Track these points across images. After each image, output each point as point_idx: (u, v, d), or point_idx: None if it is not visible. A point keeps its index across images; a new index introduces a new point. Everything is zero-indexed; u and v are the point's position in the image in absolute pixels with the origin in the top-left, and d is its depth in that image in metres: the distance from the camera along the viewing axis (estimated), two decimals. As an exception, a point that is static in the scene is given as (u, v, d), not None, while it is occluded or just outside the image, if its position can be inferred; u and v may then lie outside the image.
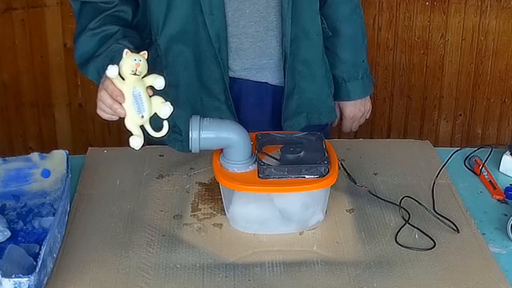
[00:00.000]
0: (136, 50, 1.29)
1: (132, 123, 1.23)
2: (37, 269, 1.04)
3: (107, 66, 1.24)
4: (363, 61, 1.71)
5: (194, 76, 1.54)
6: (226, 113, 1.55)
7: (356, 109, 1.73)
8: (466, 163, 1.51)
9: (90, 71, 1.45)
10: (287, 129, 1.58)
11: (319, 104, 1.65)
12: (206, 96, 1.55)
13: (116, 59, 1.28)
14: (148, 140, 1.29)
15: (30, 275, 1.03)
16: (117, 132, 2.71)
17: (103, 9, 1.49)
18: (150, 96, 1.25)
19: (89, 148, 1.54)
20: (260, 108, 1.60)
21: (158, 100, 1.25)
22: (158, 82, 1.24)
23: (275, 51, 1.55)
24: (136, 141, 1.23)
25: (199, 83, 1.54)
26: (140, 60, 1.21)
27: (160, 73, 1.27)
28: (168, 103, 1.25)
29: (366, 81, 1.72)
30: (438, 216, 1.28)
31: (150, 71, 1.30)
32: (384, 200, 1.35)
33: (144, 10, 1.52)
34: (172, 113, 1.24)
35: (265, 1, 1.50)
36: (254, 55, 1.54)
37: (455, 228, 1.26)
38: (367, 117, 1.79)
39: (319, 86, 1.64)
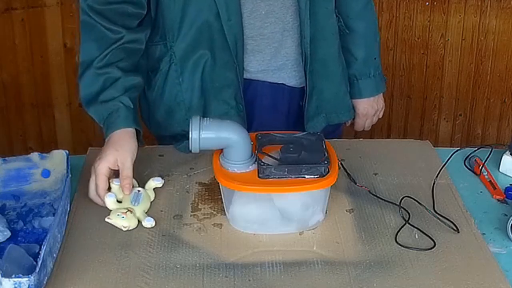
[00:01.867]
0: (136, 101, 1.43)
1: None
2: (37, 269, 1.04)
3: (104, 119, 1.39)
4: (375, 58, 1.70)
5: (208, 82, 1.53)
6: (235, 118, 1.52)
7: (368, 107, 1.72)
8: (466, 163, 1.51)
9: (91, 113, 1.43)
10: (308, 130, 1.57)
11: (337, 103, 1.65)
12: (215, 100, 1.54)
13: (112, 118, 1.38)
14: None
15: (30, 275, 1.03)
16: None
17: (110, 40, 1.41)
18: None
19: (89, 148, 1.53)
20: (276, 109, 1.60)
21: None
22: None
23: (292, 52, 1.55)
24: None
25: (211, 87, 1.53)
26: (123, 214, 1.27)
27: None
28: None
29: (378, 79, 1.71)
30: (438, 216, 1.28)
31: (163, 78, 1.50)
32: (384, 200, 1.35)
33: (157, 19, 1.51)
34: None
35: (280, 1, 1.49)
36: (270, 56, 1.53)
37: (455, 228, 1.26)
38: (380, 116, 1.78)
39: (336, 85, 1.64)
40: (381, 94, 1.75)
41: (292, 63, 1.56)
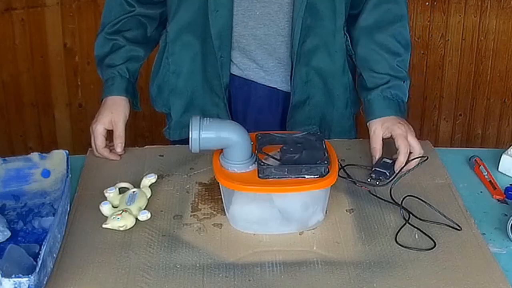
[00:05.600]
0: (134, 72, 1.57)
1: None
2: (37, 269, 1.04)
3: (104, 80, 1.56)
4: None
5: (200, 69, 1.56)
6: (223, 110, 1.57)
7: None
8: (466, 163, 1.51)
9: (98, 72, 1.60)
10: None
11: (332, 121, 1.63)
12: (208, 90, 1.58)
13: (108, 84, 1.55)
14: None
15: (30, 275, 1.03)
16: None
17: (125, 9, 1.57)
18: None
19: (89, 148, 1.54)
20: (270, 111, 1.61)
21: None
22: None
23: (285, 57, 1.54)
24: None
25: (204, 76, 1.57)
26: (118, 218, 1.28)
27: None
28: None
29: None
30: (442, 214, 1.28)
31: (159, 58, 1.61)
32: (384, 200, 1.35)
33: None
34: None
35: (277, 5, 1.49)
36: (261, 57, 1.54)
37: (457, 227, 1.26)
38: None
39: (337, 104, 1.62)
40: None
41: (285, 68, 1.56)
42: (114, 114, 1.51)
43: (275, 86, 1.58)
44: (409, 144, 1.43)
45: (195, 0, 1.49)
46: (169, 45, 1.57)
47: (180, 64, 1.57)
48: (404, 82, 1.51)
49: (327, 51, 1.54)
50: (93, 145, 1.51)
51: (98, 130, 1.49)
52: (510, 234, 1.25)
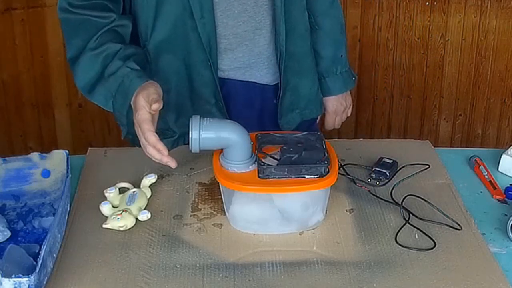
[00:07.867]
0: (142, 67, 1.38)
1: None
2: (37, 269, 1.04)
3: (115, 92, 1.35)
4: (341, 56, 1.71)
5: (185, 81, 1.53)
6: (218, 116, 1.55)
7: (338, 104, 1.75)
8: (466, 163, 1.51)
9: (97, 96, 1.42)
10: (283, 126, 1.59)
11: (310, 99, 1.67)
12: (197, 100, 1.55)
13: (125, 85, 1.34)
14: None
15: (30, 275, 1.03)
16: (117, 132, 2.71)
17: (100, 25, 1.42)
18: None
19: (89, 148, 1.54)
20: (250, 107, 1.60)
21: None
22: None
23: (264, 50, 1.55)
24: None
25: (190, 87, 1.53)
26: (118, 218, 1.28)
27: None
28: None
29: (345, 76, 1.73)
30: (442, 211, 1.28)
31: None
32: (384, 200, 1.35)
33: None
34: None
35: (253, 0, 1.49)
36: (242, 54, 1.54)
37: (458, 227, 1.26)
38: (349, 114, 1.81)
39: (310, 81, 1.66)
40: (349, 91, 1.77)
41: (264, 61, 1.56)
42: (147, 91, 1.29)
43: (254, 80, 1.58)
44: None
45: (170, 13, 1.45)
46: (151, 64, 1.50)
47: (167, 80, 1.49)
48: None
49: (298, 34, 1.57)
50: (142, 141, 1.29)
51: (143, 116, 1.27)
52: (510, 234, 1.25)
